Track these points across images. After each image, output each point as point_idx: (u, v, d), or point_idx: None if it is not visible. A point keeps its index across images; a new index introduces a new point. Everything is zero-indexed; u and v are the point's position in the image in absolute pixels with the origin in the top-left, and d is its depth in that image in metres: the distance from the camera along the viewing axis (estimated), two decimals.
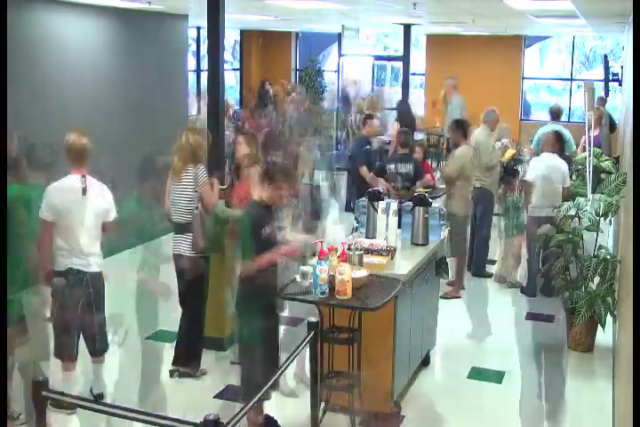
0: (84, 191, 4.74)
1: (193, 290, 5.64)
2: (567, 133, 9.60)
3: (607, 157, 7.70)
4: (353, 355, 4.61)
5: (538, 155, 8.13)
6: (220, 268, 5.78)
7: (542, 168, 7.37)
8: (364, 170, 8.42)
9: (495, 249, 8.34)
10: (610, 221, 6.95)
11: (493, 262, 8.38)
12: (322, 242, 4.53)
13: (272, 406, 5.09)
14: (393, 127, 11.66)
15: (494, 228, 8.30)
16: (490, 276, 8.14)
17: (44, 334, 5.15)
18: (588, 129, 6.89)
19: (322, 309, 4.58)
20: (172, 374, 5.60)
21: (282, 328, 6.58)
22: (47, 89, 7.86)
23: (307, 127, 10.90)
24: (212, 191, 5.50)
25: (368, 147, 8.54)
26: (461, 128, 7.68)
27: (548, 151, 7.53)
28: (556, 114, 10.23)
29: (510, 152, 9.35)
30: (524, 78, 16.30)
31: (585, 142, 7.30)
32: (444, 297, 7.21)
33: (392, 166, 7.79)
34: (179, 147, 5.43)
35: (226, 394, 5.34)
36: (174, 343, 5.88)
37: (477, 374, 5.81)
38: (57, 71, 8.01)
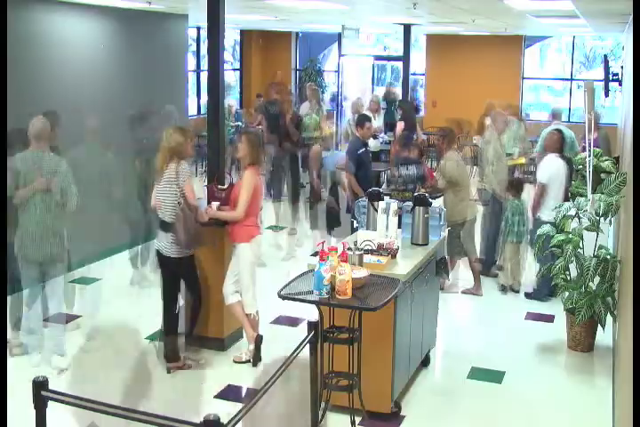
0: None
1: (189, 289, 5.67)
2: (571, 134, 9.55)
3: (607, 157, 7.69)
4: (353, 355, 4.61)
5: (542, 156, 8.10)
6: (217, 267, 5.79)
7: (552, 170, 7.33)
8: (352, 180, 8.05)
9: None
10: (610, 221, 6.94)
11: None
12: (323, 243, 4.53)
13: (272, 406, 5.09)
14: (397, 127, 11.61)
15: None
16: (495, 275, 8.12)
17: None
18: (589, 130, 6.86)
19: (322, 309, 4.58)
20: (168, 371, 5.65)
21: (282, 328, 6.61)
22: (47, 89, 7.85)
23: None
24: (192, 188, 5.52)
25: (362, 150, 8.36)
26: (448, 137, 7.59)
27: (551, 152, 7.51)
28: (557, 115, 10.24)
29: (520, 160, 9.29)
30: (523, 78, 16.30)
31: (584, 143, 7.28)
32: (464, 292, 7.73)
33: (395, 168, 7.77)
34: (161, 146, 5.50)
35: (226, 394, 5.35)
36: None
37: (477, 374, 5.81)
38: (57, 71, 8.00)
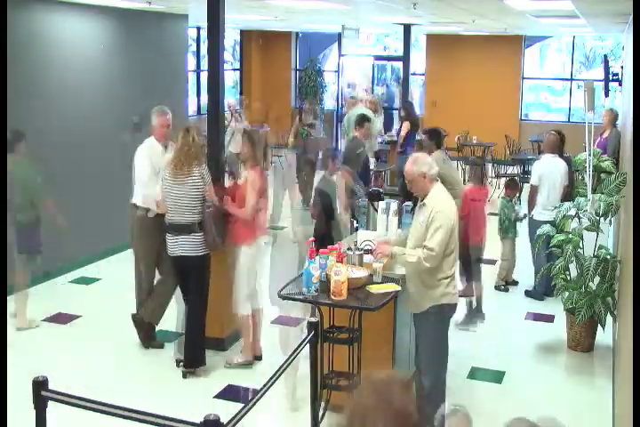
0: None
1: (199, 288, 5.65)
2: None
3: (607, 157, 7.68)
4: (353, 355, 4.61)
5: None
6: (220, 266, 5.79)
7: (543, 171, 7.34)
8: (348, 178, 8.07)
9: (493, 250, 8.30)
10: (610, 221, 6.94)
11: (492, 262, 8.36)
12: (313, 241, 4.53)
13: (272, 407, 5.09)
14: (402, 127, 11.49)
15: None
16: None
17: None
18: (589, 132, 6.84)
19: (322, 309, 4.58)
20: (185, 375, 5.61)
21: (282, 328, 6.61)
22: (47, 89, 7.85)
23: None
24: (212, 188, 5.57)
25: (360, 150, 8.33)
26: (435, 137, 7.54)
27: (548, 152, 7.51)
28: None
29: None
30: (523, 78, 16.30)
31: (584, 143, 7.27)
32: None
33: None
34: (184, 146, 5.36)
35: (226, 394, 5.34)
36: (174, 343, 5.89)
37: (477, 374, 5.82)
38: (57, 71, 8.00)
